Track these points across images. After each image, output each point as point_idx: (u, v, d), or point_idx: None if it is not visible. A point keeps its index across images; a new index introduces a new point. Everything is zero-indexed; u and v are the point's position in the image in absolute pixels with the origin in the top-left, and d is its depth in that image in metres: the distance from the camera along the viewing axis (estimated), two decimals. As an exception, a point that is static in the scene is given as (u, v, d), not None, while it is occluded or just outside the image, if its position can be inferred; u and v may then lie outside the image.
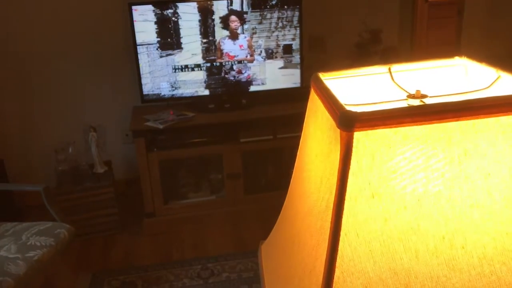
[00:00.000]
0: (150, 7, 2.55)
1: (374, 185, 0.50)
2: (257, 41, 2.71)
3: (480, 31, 3.35)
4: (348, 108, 0.50)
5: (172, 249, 2.56)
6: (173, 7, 2.57)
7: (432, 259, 0.52)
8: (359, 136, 0.48)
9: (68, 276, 2.39)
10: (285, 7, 2.66)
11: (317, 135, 0.61)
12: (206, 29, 2.64)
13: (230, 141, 2.67)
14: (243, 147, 2.68)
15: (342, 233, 0.51)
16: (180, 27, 2.61)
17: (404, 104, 0.61)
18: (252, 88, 2.79)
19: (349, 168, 0.49)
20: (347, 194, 0.50)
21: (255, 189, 2.82)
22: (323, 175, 0.57)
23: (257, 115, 2.69)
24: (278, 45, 2.73)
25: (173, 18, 2.59)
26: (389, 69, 0.68)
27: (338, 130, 0.50)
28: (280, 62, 2.76)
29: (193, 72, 2.70)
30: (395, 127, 0.48)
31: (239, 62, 2.73)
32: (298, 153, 0.72)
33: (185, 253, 2.52)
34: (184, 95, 2.73)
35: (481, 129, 0.50)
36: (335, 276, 0.52)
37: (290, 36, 2.73)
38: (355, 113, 0.48)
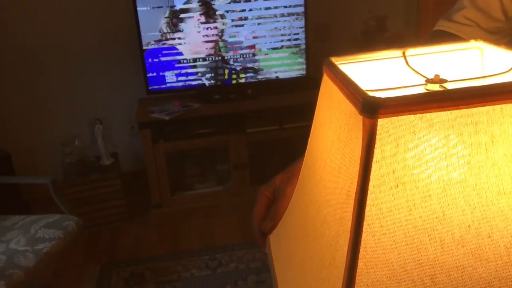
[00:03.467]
0: (153, -3, 2.52)
1: (398, 173, 0.48)
2: (261, 31, 2.68)
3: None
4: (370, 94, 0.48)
5: (179, 240, 2.56)
6: (176, -3, 2.54)
7: (458, 248, 0.50)
8: (383, 123, 0.46)
9: (76, 268, 2.40)
10: (290, -6, 2.63)
11: (333, 123, 0.59)
12: (209, 20, 2.61)
13: (236, 131, 2.66)
14: (249, 137, 2.66)
15: (365, 224, 0.49)
16: (183, 17, 2.58)
17: (422, 89, 0.59)
18: (258, 78, 2.76)
19: (372, 156, 0.47)
20: (370, 183, 0.48)
21: (262, 180, 2.78)
22: (342, 164, 0.55)
23: (263, 105, 2.67)
24: (283, 34, 2.71)
25: (176, 9, 2.56)
26: (403, 53, 0.66)
27: (360, 117, 0.48)
28: (285, 51, 2.74)
29: (197, 63, 2.67)
30: (420, 113, 0.46)
31: (245, 52, 2.70)
32: (309, 141, 0.70)
33: (192, 243, 2.52)
34: (189, 86, 2.71)
35: (509, 114, 0.48)
36: (358, 268, 0.50)
37: (295, 25, 2.70)
38: (380, 99, 0.46)
